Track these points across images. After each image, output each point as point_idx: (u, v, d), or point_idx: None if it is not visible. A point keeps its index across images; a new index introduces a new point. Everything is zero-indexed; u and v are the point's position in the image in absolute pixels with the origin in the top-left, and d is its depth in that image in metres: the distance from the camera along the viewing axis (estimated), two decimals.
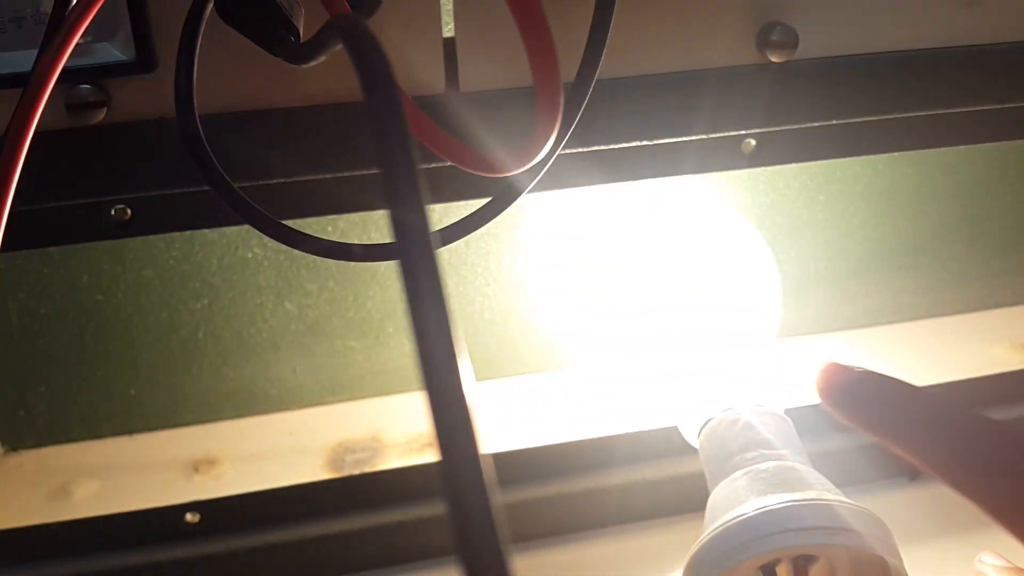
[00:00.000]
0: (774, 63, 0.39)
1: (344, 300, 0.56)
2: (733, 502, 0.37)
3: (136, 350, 0.55)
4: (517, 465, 0.54)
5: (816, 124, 0.42)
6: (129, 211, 0.38)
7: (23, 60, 0.32)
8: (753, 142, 0.42)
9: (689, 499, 0.53)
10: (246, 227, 0.34)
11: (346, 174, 0.38)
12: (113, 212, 0.38)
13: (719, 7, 0.39)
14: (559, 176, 0.40)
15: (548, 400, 0.58)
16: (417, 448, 0.54)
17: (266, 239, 0.36)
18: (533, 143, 0.31)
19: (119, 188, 0.37)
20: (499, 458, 0.53)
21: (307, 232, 0.35)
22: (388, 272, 0.56)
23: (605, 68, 0.34)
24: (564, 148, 0.35)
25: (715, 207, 0.50)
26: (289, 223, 0.35)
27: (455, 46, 0.38)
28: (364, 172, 0.38)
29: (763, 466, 0.38)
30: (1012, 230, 0.65)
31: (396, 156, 0.18)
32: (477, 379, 0.59)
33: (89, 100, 0.34)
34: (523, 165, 0.32)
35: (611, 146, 0.40)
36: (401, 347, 0.58)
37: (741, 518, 0.36)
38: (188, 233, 0.52)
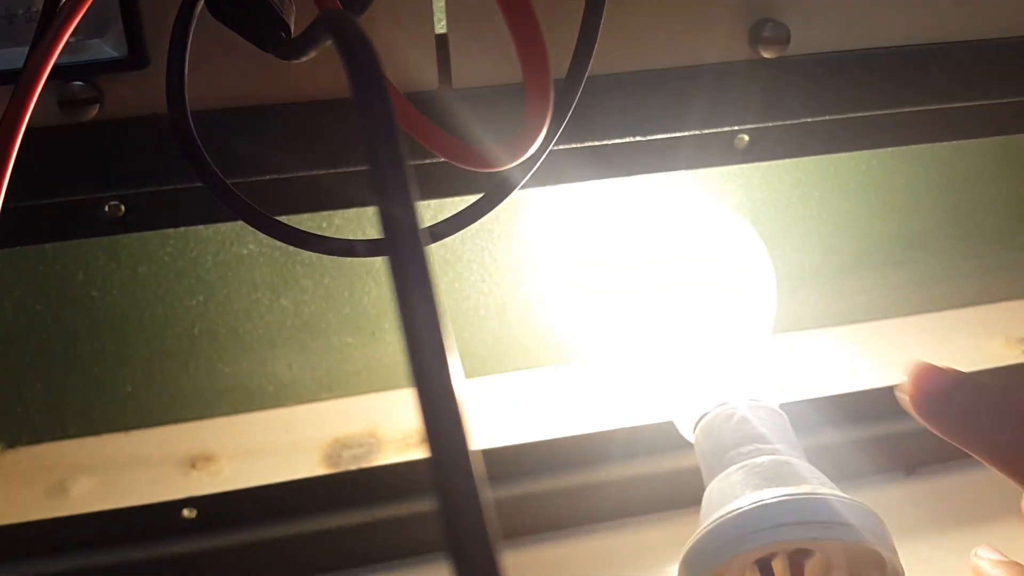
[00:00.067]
0: (766, 59, 0.39)
1: (340, 296, 0.56)
2: (729, 497, 0.37)
3: (132, 347, 0.55)
4: (513, 460, 0.54)
5: (809, 120, 0.42)
6: (123, 207, 0.38)
7: (15, 57, 0.32)
8: (746, 138, 0.42)
9: (685, 494, 0.53)
10: (241, 223, 0.34)
11: (339, 170, 0.38)
12: (107, 208, 0.38)
13: (712, 3, 0.39)
14: (553, 172, 0.40)
15: (544, 396, 0.58)
16: (413, 444, 0.54)
17: (261, 235, 0.36)
18: (524, 137, 0.30)
19: (113, 184, 0.37)
20: (495, 454, 0.54)
21: (301, 228, 0.35)
22: (384, 267, 0.56)
23: (598, 64, 0.34)
24: (557, 144, 0.35)
25: (709, 203, 0.50)
26: (283, 219, 0.35)
27: (448, 42, 0.38)
28: (357, 168, 0.38)
29: (758, 460, 0.38)
30: (1005, 224, 0.65)
31: (383, 150, 0.18)
32: (472, 375, 0.59)
33: (81, 97, 0.34)
34: (514, 160, 0.32)
35: (604, 142, 0.40)
36: (397, 343, 0.58)
37: (737, 512, 0.36)
38: (183, 229, 0.52)
